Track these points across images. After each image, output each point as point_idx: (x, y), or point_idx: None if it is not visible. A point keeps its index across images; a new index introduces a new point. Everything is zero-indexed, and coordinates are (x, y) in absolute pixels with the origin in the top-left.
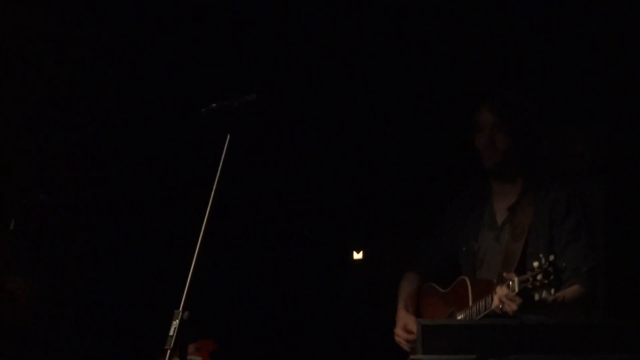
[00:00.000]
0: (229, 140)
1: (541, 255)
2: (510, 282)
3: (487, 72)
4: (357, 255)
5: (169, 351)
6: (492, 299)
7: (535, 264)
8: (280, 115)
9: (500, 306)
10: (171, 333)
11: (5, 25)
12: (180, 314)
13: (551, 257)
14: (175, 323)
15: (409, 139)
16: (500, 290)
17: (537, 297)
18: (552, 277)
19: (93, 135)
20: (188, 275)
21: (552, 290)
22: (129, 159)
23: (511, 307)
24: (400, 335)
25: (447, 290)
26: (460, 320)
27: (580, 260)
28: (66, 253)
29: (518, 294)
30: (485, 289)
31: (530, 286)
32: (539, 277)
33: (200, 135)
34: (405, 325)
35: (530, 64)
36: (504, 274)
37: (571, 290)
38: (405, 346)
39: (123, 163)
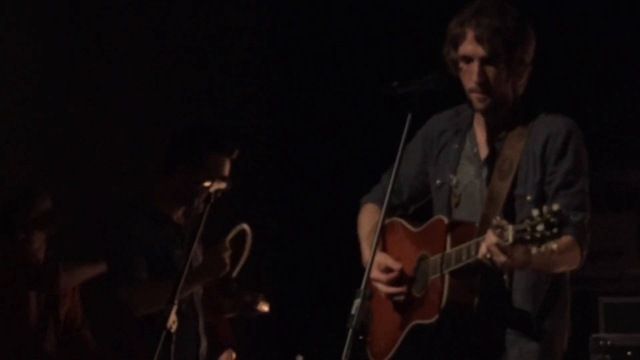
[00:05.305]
0: (410, 119)
1: (542, 205)
2: (503, 231)
3: None
4: None
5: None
6: (476, 247)
7: (535, 212)
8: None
9: (488, 256)
10: (353, 312)
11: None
12: (362, 292)
13: (555, 207)
14: (357, 302)
15: None
16: (490, 239)
17: (534, 250)
18: (555, 230)
19: (273, 119)
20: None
21: (555, 246)
22: (308, 142)
23: (500, 259)
24: (379, 279)
25: (418, 230)
26: (434, 264)
27: (574, 208)
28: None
29: (512, 245)
30: (465, 234)
31: (528, 237)
32: (539, 227)
33: (381, 114)
34: (380, 265)
35: None
36: (494, 221)
37: (564, 243)
38: (388, 289)
39: (303, 146)
